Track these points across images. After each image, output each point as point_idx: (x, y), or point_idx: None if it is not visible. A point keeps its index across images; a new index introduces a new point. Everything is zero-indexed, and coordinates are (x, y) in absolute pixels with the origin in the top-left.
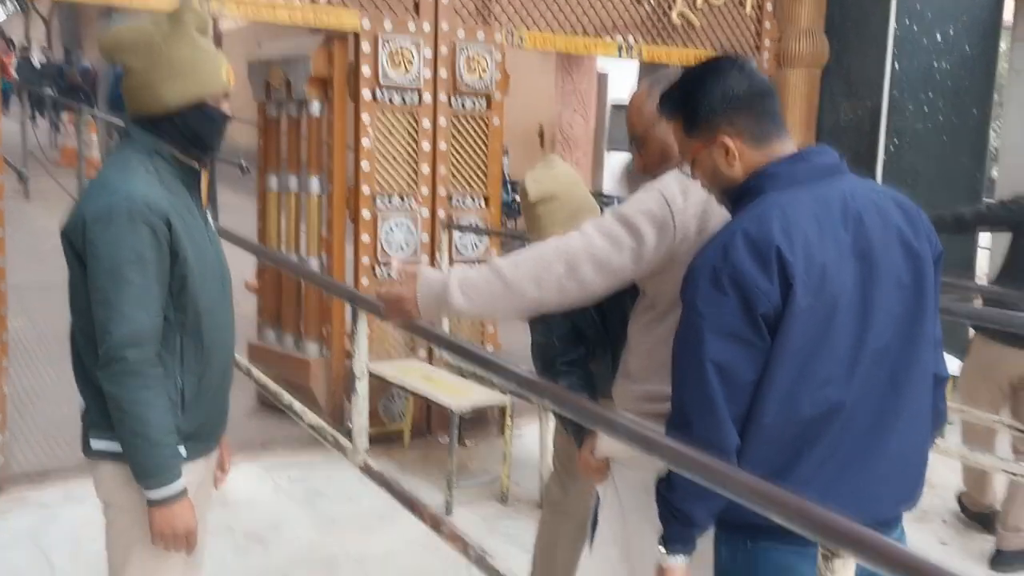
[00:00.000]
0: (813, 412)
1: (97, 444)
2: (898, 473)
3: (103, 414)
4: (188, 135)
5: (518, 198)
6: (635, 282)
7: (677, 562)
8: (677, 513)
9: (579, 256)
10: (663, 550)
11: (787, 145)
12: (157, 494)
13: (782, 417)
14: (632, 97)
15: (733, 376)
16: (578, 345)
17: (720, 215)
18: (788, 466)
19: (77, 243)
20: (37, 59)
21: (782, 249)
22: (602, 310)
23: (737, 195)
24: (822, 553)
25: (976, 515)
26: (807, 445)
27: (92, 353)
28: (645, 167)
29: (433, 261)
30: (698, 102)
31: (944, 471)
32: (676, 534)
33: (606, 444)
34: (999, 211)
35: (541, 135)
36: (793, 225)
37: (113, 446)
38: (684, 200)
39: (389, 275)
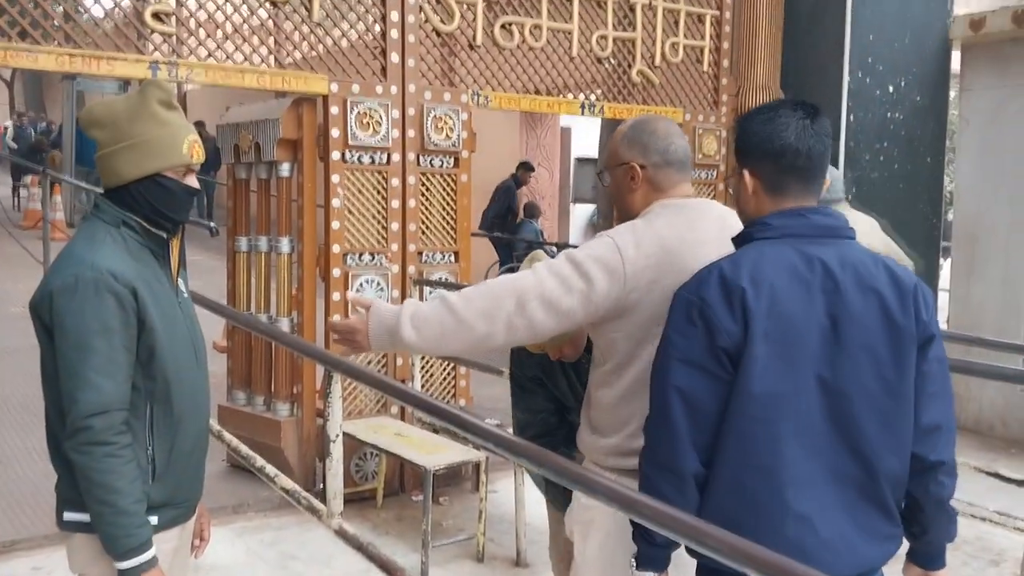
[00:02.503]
0: (770, 463)
1: (69, 516)
2: (866, 536)
3: (75, 486)
4: (147, 207)
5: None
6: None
7: None
8: (644, 532)
9: (529, 294)
10: (634, 564)
11: (806, 204)
12: (127, 564)
13: (741, 465)
14: (615, 132)
15: (695, 403)
16: (563, 420)
17: (674, 270)
18: (770, 508)
19: (44, 316)
20: None
21: (747, 292)
22: (581, 378)
23: (738, 241)
24: None
25: None
26: (766, 499)
27: (62, 424)
28: (608, 198)
29: None
30: (741, 134)
31: None
32: (644, 552)
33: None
34: None
35: None
36: (763, 274)
37: (85, 517)
38: (636, 250)
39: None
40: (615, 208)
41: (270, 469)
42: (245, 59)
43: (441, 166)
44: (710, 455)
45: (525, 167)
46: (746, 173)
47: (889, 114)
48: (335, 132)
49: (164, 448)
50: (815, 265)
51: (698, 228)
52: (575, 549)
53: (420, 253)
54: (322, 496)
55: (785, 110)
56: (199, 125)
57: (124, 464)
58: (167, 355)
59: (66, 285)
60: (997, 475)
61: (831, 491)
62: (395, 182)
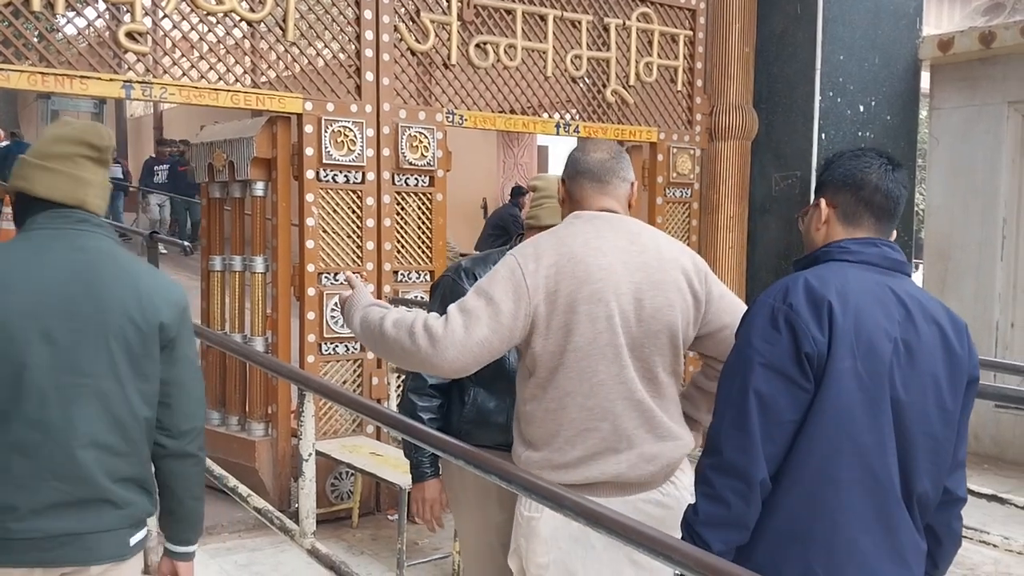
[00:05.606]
0: (849, 476)
1: (135, 537)
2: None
3: (147, 505)
4: None
5: (536, 197)
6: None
7: None
8: (697, 539)
9: (439, 331)
10: None
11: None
12: (193, 548)
13: (820, 475)
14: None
15: (773, 410)
16: (446, 393)
17: (576, 277)
18: (825, 528)
19: (172, 330)
20: None
21: (833, 306)
22: None
23: (809, 260)
24: None
25: None
26: (840, 511)
27: (149, 435)
28: None
29: None
30: (827, 168)
31: None
32: None
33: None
34: None
35: (485, 208)
36: (850, 292)
37: (144, 533)
38: (536, 263)
39: (333, 351)
40: None
41: (243, 489)
42: (219, 78)
43: (416, 185)
44: (776, 467)
45: (519, 192)
46: (823, 201)
47: (860, 133)
48: (309, 151)
49: None
50: (889, 293)
51: (605, 237)
52: (525, 562)
53: (395, 272)
54: (296, 516)
55: (872, 153)
56: (184, 143)
57: None
58: None
59: (185, 303)
60: (969, 491)
61: (883, 509)
62: (370, 201)
